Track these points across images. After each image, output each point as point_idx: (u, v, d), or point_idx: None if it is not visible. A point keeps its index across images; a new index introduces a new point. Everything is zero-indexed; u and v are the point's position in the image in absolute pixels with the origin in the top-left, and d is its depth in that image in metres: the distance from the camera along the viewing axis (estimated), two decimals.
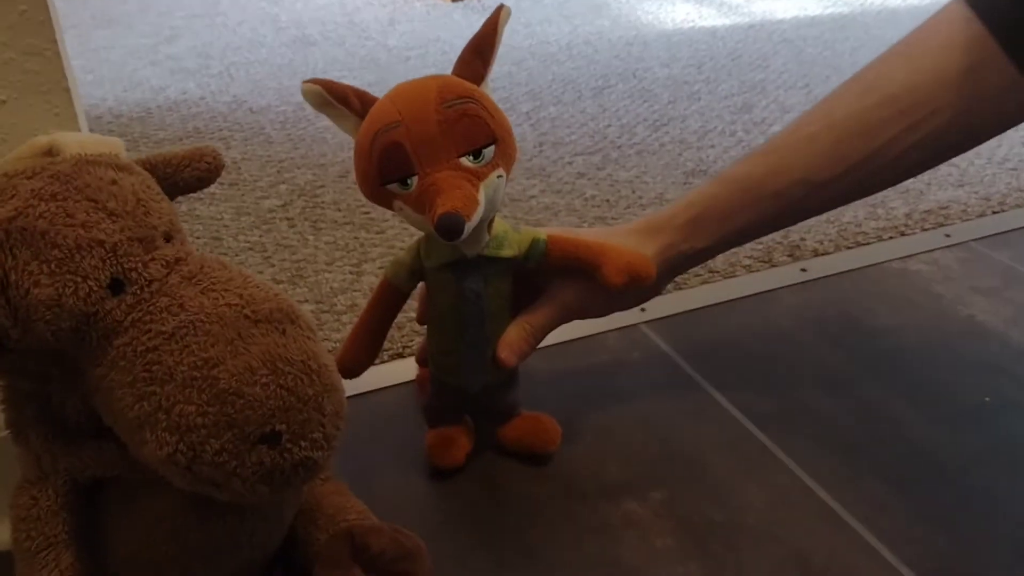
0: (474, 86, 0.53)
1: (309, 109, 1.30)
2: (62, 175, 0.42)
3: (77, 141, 0.44)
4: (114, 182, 0.43)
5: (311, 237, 0.94)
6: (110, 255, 0.41)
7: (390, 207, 0.54)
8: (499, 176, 0.52)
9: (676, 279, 0.84)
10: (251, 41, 1.59)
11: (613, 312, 0.67)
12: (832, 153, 0.60)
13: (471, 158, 0.51)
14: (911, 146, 0.59)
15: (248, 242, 0.93)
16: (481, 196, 0.51)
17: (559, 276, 0.61)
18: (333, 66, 1.45)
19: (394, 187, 0.52)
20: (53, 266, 0.40)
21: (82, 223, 0.40)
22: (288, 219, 0.98)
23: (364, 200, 1.02)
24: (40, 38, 0.49)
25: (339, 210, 1.00)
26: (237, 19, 1.72)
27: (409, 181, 0.51)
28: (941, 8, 0.61)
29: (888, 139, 0.59)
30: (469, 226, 0.50)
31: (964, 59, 0.57)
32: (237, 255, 0.91)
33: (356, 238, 0.94)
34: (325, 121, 1.21)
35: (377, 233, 0.95)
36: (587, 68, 1.44)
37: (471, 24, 1.66)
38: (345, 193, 1.03)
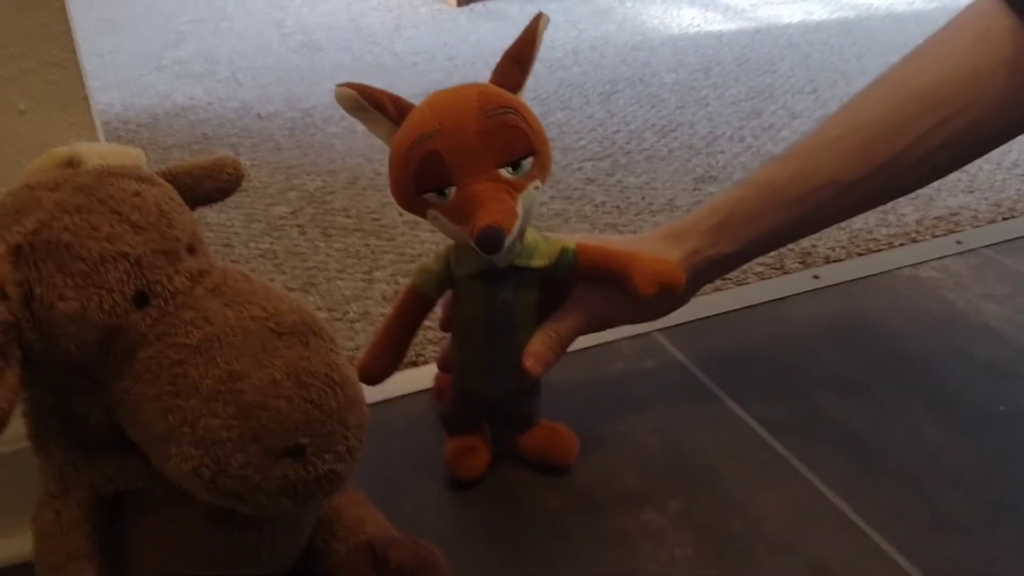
0: (513, 95, 0.53)
1: (317, 115, 1.30)
2: (86, 187, 0.42)
3: (98, 152, 0.44)
4: (137, 194, 0.42)
5: (322, 244, 0.94)
6: (135, 268, 0.41)
7: (424, 216, 0.53)
8: (536, 188, 0.53)
9: None
10: (257, 46, 1.58)
11: (640, 322, 0.67)
12: (859, 154, 0.60)
13: (510, 169, 0.51)
14: (940, 144, 0.58)
15: (259, 249, 0.93)
16: (519, 208, 0.51)
17: (585, 283, 0.61)
18: (340, 72, 1.45)
19: (431, 196, 0.51)
20: (78, 279, 0.40)
21: (106, 235, 0.40)
22: (299, 226, 0.98)
23: (374, 206, 1.02)
24: (60, 48, 0.49)
25: (349, 216, 1.00)
26: (243, 24, 1.72)
27: (447, 191, 0.51)
28: (968, 5, 0.60)
29: (916, 137, 0.58)
30: (509, 240, 0.49)
31: (998, 52, 0.56)
32: (248, 262, 0.91)
33: (367, 245, 0.94)
34: (334, 127, 1.22)
35: (388, 240, 0.95)
36: (594, 73, 1.44)
37: (476, 29, 1.66)
38: (355, 199, 1.03)
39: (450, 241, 0.57)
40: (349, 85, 0.52)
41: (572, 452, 0.64)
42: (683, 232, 0.62)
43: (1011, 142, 0.61)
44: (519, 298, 0.57)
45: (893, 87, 0.60)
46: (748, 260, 0.65)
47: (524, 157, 0.51)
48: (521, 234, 0.55)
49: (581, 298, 0.61)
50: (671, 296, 0.60)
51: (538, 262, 0.56)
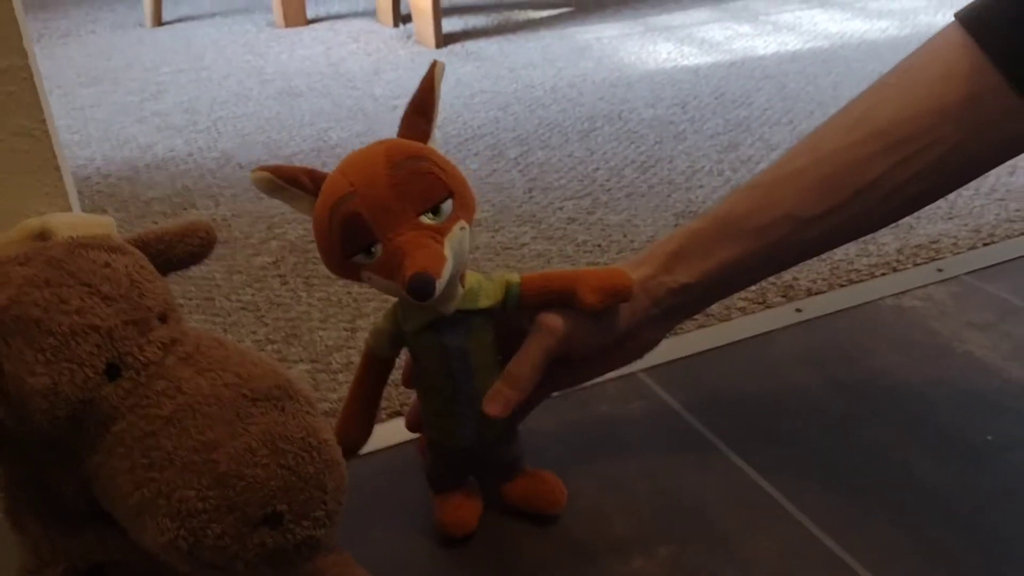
0: (422, 144, 0.53)
1: (297, 162, 1.30)
2: (55, 260, 0.41)
3: (69, 223, 0.44)
4: (107, 264, 0.42)
5: (304, 294, 0.94)
6: (105, 340, 0.40)
7: (359, 279, 0.53)
8: (462, 228, 0.52)
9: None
10: (237, 95, 1.59)
11: (616, 367, 0.65)
12: (819, 188, 0.59)
13: (430, 215, 0.51)
14: (905, 181, 0.58)
15: (241, 301, 0.93)
16: (448, 252, 0.51)
17: (537, 314, 0.59)
18: (320, 117, 1.45)
19: (359, 258, 0.51)
20: (48, 354, 0.39)
21: (76, 309, 0.40)
22: (280, 276, 0.97)
23: None
24: (28, 118, 0.49)
25: None
26: (222, 73, 1.73)
27: (373, 249, 0.51)
28: (935, 36, 0.60)
29: (878, 174, 0.58)
30: (440, 284, 0.49)
31: (963, 88, 0.56)
32: (230, 315, 0.90)
33: (349, 293, 0.94)
34: None
35: (370, 288, 0.94)
36: (573, 111, 1.45)
37: (456, 71, 1.68)
38: None
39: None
40: (263, 168, 0.53)
41: (560, 500, 0.64)
42: (639, 261, 0.62)
43: None
44: (473, 342, 0.56)
45: (855, 121, 0.60)
46: (714, 295, 0.64)
47: (442, 201, 0.51)
48: (460, 277, 0.55)
49: (534, 327, 0.58)
50: (622, 300, 0.58)
51: (485, 302, 0.56)
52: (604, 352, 0.63)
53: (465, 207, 0.53)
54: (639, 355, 0.66)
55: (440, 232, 0.51)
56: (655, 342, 0.65)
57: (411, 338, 0.57)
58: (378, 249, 0.50)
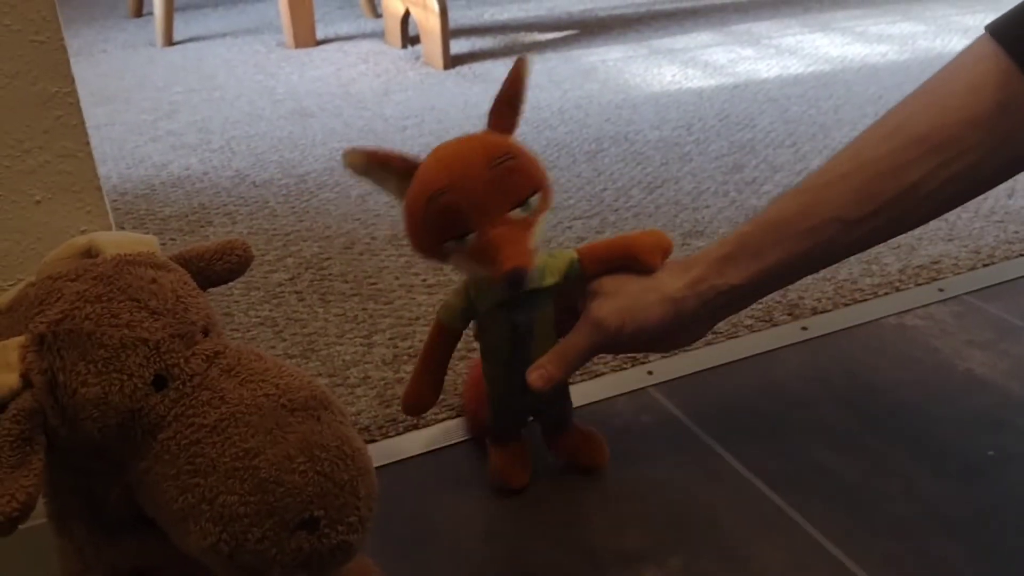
0: (512, 140, 0.58)
1: (311, 181, 1.33)
2: (105, 276, 0.44)
3: (115, 241, 0.46)
4: (154, 280, 0.45)
5: (320, 310, 0.96)
6: (153, 352, 0.42)
7: (445, 260, 0.59)
8: (544, 219, 0.58)
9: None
10: (249, 115, 1.62)
11: (657, 348, 0.71)
12: (864, 191, 0.62)
13: (520, 210, 0.56)
14: (942, 183, 0.61)
15: (259, 317, 0.95)
16: (534, 243, 0.56)
17: (591, 299, 0.64)
18: (332, 137, 1.48)
19: (450, 245, 0.57)
20: (99, 366, 0.41)
21: (126, 323, 0.42)
22: (297, 292, 1.00)
23: (371, 271, 1.04)
24: (74, 141, 0.52)
25: (346, 282, 1.02)
26: (234, 93, 1.76)
27: (467, 238, 0.56)
28: (967, 47, 0.62)
29: (920, 176, 0.60)
30: (532, 274, 0.56)
31: (994, 97, 0.59)
32: (249, 330, 0.92)
33: (365, 309, 0.96)
34: (328, 193, 1.25)
35: (385, 304, 0.97)
36: (579, 132, 1.48)
37: (463, 92, 1.71)
38: (352, 264, 1.05)
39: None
40: (355, 149, 0.58)
41: (603, 455, 0.71)
42: (690, 262, 0.65)
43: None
44: (539, 317, 0.62)
45: (894, 128, 0.63)
46: (761, 295, 0.68)
47: (531, 196, 0.56)
48: None
49: (587, 313, 0.64)
50: (685, 335, 0.67)
51: (550, 280, 0.62)
52: (651, 341, 0.67)
53: (547, 198, 0.58)
54: (684, 344, 0.70)
55: (529, 224, 0.57)
56: (700, 335, 0.69)
57: (482, 315, 0.63)
58: (471, 238, 0.56)
